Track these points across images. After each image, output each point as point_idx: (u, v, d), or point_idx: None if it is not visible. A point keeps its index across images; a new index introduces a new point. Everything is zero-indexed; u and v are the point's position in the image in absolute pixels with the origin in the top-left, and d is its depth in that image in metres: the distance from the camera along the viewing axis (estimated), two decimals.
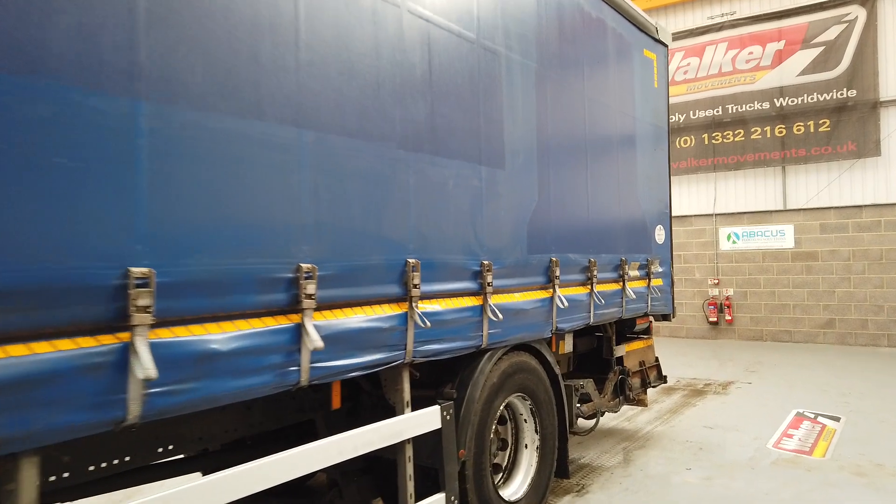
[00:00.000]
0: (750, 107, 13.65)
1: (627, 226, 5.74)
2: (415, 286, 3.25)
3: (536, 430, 4.46)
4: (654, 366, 6.66)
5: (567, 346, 5.44)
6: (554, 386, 4.67)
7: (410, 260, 3.26)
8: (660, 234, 6.34)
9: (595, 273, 5.04)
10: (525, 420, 4.45)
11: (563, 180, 4.76)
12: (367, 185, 3.07)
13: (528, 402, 4.39)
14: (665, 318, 6.65)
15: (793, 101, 13.22)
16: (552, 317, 4.50)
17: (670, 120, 13.93)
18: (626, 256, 5.61)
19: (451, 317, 3.54)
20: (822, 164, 13.10)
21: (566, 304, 4.50)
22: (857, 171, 12.81)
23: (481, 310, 3.78)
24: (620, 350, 6.03)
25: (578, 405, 5.26)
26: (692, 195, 14.47)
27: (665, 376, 6.76)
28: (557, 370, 4.68)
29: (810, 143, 13.08)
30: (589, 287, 5.01)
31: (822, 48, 12.92)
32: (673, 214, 14.41)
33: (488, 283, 3.80)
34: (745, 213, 13.90)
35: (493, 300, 3.87)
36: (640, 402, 6.64)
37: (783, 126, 13.34)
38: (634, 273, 5.82)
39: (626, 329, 6.20)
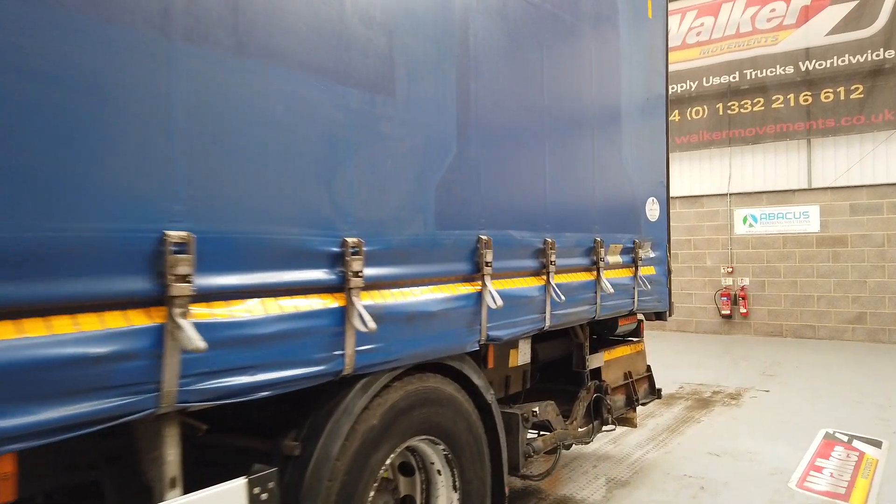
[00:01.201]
0: (771, 71, 12.05)
1: (606, 197, 4.30)
2: (179, 278, 1.84)
3: (455, 486, 3.07)
4: (645, 377, 5.24)
5: (521, 356, 4.03)
6: (486, 419, 3.27)
7: (172, 234, 1.85)
8: (652, 210, 4.89)
9: (552, 258, 3.62)
10: (438, 471, 3.07)
11: (504, 126, 3.33)
12: None
13: (442, 447, 3.00)
14: (659, 316, 5.21)
15: (820, 65, 11.61)
16: (480, 322, 3.09)
17: (680, 88, 12.40)
18: (602, 236, 4.17)
19: (273, 329, 2.14)
20: (854, 136, 11.51)
21: (500, 302, 3.08)
22: (893, 143, 11.20)
23: (342, 315, 2.38)
24: (597, 359, 4.61)
25: (533, 438, 3.86)
26: (704, 172, 12.93)
27: (659, 390, 5.33)
28: (490, 397, 3.27)
29: (840, 112, 11.48)
30: (544, 278, 3.59)
31: (856, 2, 11.29)
32: (683, 194, 12.95)
33: (355, 273, 2.39)
34: (763, 192, 12.35)
35: (368, 298, 2.47)
36: (627, 423, 5.23)
37: (809, 93, 11.74)
38: (615, 259, 4.38)
39: (605, 331, 4.77)
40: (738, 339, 12.03)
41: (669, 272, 5.13)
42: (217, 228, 1.99)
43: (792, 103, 11.88)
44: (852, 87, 11.34)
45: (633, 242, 4.58)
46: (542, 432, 4.09)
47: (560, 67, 3.80)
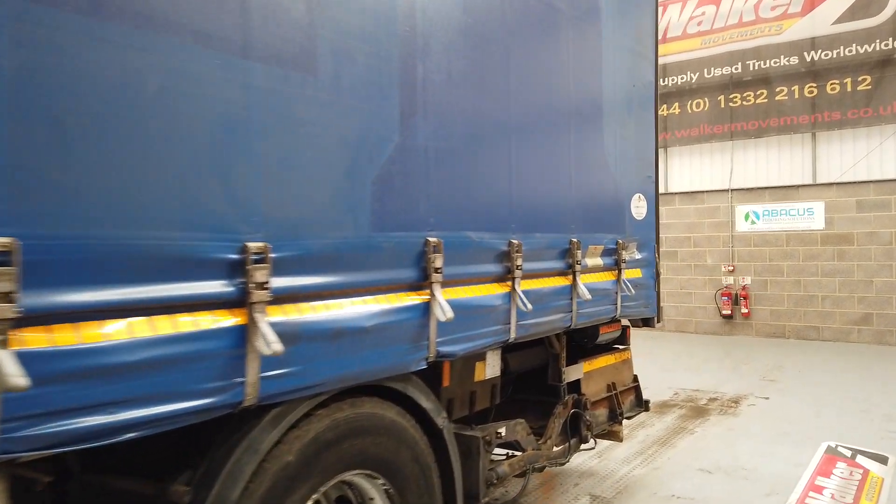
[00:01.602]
0: (775, 62, 11.59)
1: (586, 193, 3.90)
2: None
3: None
4: (631, 388, 4.83)
5: (489, 369, 3.63)
6: (438, 447, 2.88)
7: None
8: (639, 208, 4.48)
9: (518, 263, 3.22)
10: None
11: (461, 114, 2.92)
12: None
13: (382, 482, 2.60)
14: (647, 323, 4.81)
15: (826, 55, 11.14)
16: (428, 336, 2.69)
17: (680, 80, 11.96)
18: (579, 237, 3.77)
19: (144, 356, 1.74)
20: (861, 129, 11.05)
21: (450, 314, 2.67)
22: None
23: (242, 335, 1.98)
24: (575, 371, 4.21)
25: (498, 462, 3.47)
26: (705, 167, 12.49)
27: (646, 402, 4.93)
28: (442, 421, 2.88)
29: (846, 104, 11.02)
30: (509, 284, 3.19)
31: None
32: (683, 190, 12.47)
33: (259, 285, 2.00)
34: (766, 188, 11.90)
35: (279, 314, 2.08)
36: (612, 436, 4.83)
37: (814, 85, 11.28)
38: (594, 261, 3.97)
39: (586, 340, 4.37)
40: (738, 341, 11.60)
41: (658, 275, 4.72)
42: (59, 233, 1.59)
43: (796, 95, 11.41)
44: (860, 79, 10.87)
45: (617, 243, 4.18)
46: (513, 453, 3.71)
47: (530, 49, 3.39)
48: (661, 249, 4.81)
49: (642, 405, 4.89)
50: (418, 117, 2.68)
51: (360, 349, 2.38)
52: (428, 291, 2.69)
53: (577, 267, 3.71)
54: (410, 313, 2.61)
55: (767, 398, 7.32)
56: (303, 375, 2.17)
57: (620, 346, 4.87)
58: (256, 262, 2.00)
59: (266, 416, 2.14)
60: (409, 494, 2.69)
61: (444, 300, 2.69)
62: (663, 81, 12.66)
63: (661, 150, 12.65)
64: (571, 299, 3.71)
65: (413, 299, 2.64)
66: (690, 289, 12.58)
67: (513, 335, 3.22)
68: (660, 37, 12.50)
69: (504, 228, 3.19)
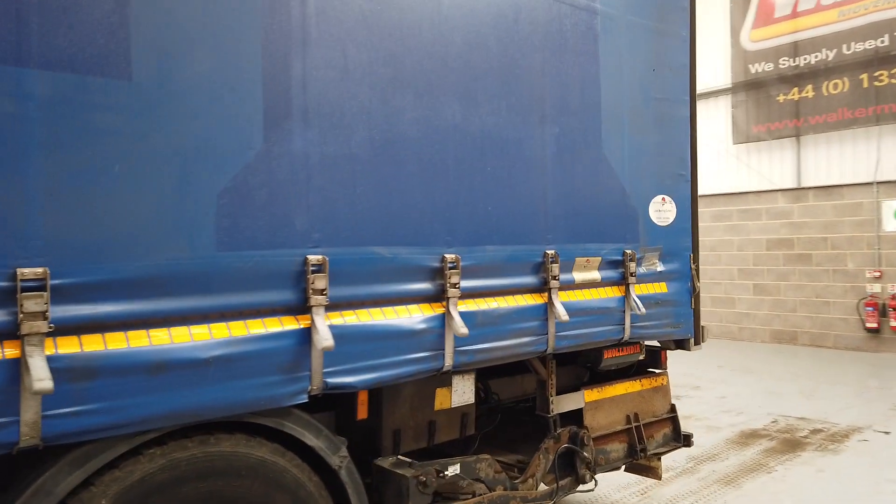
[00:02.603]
0: None
1: (572, 198, 3.39)
2: None
3: None
4: (665, 420, 4.18)
5: (455, 396, 3.27)
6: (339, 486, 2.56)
7: None
8: (662, 212, 3.85)
9: (454, 280, 2.81)
10: None
11: (364, 111, 2.58)
12: None
13: None
14: (680, 345, 4.14)
15: None
16: (310, 366, 2.39)
17: (814, 59, 10.63)
18: (559, 248, 3.27)
19: None
20: None
21: (328, 342, 2.34)
22: None
23: (10, 371, 1.81)
24: (572, 400, 3.69)
25: None
26: (845, 157, 10.92)
27: (687, 436, 4.24)
28: (338, 460, 2.55)
29: None
30: (443, 305, 2.80)
31: None
32: (817, 184, 10.95)
33: (32, 315, 1.81)
34: None
35: (67, 348, 1.88)
36: (650, 473, 4.23)
37: None
38: (587, 276, 3.44)
39: (589, 364, 3.81)
40: (884, 360, 9.99)
41: (695, 289, 4.03)
42: None
43: None
44: None
45: (623, 254, 3.60)
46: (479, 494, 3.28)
47: (473, 34, 2.97)
48: (699, 258, 4.11)
49: (680, 439, 4.21)
50: (295, 121, 2.38)
51: (198, 383, 2.13)
52: (308, 316, 2.39)
53: (554, 283, 3.22)
54: (281, 341, 2.33)
55: (888, 433, 6.15)
56: (106, 413, 1.96)
57: (656, 371, 4.24)
58: (31, 289, 1.82)
59: (65, 457, 1.96)
60: None
61: (325, 326, 2.37)
62: (793, 62, 11.26)
63: (791, 140, 11.28)
64: (547, 320, 3.22)
65: (286, 325, 2.35)
66: (828, 297, 11.07)
67: (448, 363, 2.82)
68: (789, 11, 11.16)
69: (435, 242, 2.80)
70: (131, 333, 2.02)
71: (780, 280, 11.61)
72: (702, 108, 12.51)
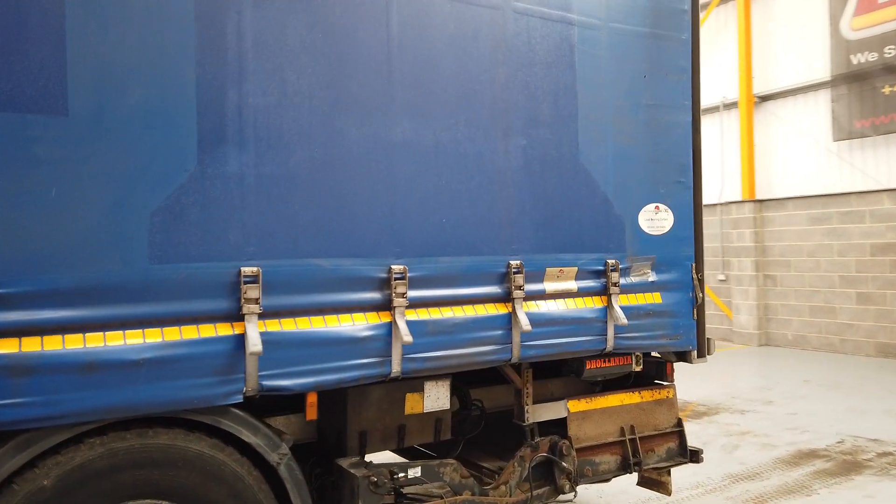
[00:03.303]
0: None
1: (544, 207, 3.41)
2: None
3: None
4: (671, 434, 4.04)
5: (427, 401, 3.39)
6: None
7: None
8: (654, 220, 3.77)
9: (400, 290, 2.94)
10: None
11: (302, 133, 2.77)
12: None
13: None
14: (682, 357, 4.02)
15: None
16: (244, 369, 2.60)
17: (887, 52, 9.76)
18: (526, 259, 3.31)
19: None
20: None
21: (257, 347, 2.54)
22: None
23: None
24: (551, 410, 3.70)
25: None
26: None
27: (695, 451, 4.08)
28: (276, 457, 2.74)
29: None
30: (389, 314, 2.93)
31: None
32: None
33: None
34: None
35: (6, 347, 2.20)
36: (659, 488, 4.14)
37: None
38: (561, 286, 3.47)
39: (573, 374, 3.78)
40: None
41: (697, 299, 3.90)
42: None
43: None
44: None
45: (605, 263, 3.57)
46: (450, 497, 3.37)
47: (422, 51, 3.07)
48: (702, 267, 3.97)
49: (686, 454, 4.07)
50: (229, 144, 2.60)
51: (130, 382, 2.39)
52: (242, 323, 2.60)
53: (518, 293, 3.26)
54: (215, 345, 2.55)
55: None
56: (42, 406, 2.26)
57: (663, 383, 4.13)
58: None
59: (11, 441, 2.27)
60: None
61: (255, 332, 2.58)
62: (887, 52, 10.34)
63: (883, 138, 10.31)
64: (511, 329, 3.26)
65: (221, 332, 2.57)
66: None
67: (395, 369, 2.95)
68: None
69: (381, 254, 2.94)
70: (68, 336, 2.31)
71: (886, 288, 10.67)
72: (796, 103, 11.79)
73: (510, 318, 3.26)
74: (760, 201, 12.36)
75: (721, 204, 12.95)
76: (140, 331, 2.43)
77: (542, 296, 3.39)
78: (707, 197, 13.09)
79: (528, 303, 3.33)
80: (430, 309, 3.07)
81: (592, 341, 3.54)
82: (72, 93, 2.32)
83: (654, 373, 4.14)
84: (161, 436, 2.53)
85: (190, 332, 2.52)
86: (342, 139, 2.86)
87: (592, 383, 4.04)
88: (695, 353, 3.96)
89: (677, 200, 3.86)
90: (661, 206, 3.80)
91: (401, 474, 3.12)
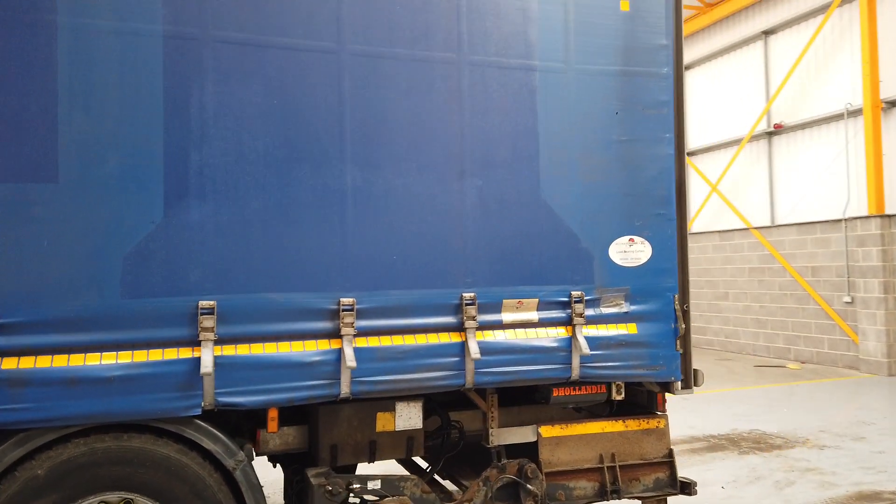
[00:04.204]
0: None
1: (498, 244, 3.62)
2: None
3: None
4: (658, 464, 4.04)
5: (399, 420, 3.70)
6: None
7: None
8: (628, 253, 3.84)
9: (349, 320, 3.30)
10: None
11: (258, 185, 3.23)
12: None
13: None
14: (665, 388, 4.01)
15: None
16: (202, 387, 3.09)
17: None
18: (481, 291, 3.56)
19: None
20: None
21: (207, 369, 3.01)
22: None
23: None
24: (517, 434, 3.86)
25: None
26: None
27: (686, 483, 4.04)
28: (233, 463, 3.19)
29: None
30: (338, 341, 3.31)
31: None
32: None
33: None
34: None
35: (6, 365, 2.83)
36: None
37: None
38: (520, 316, 3.66)
39: (542, 401, 3.91)
40: None
41: (681, 330, 3.91)
42: None
43: None
44: None
45: (569, 295, 3.71)
46: None
47: (378, 103, 3.43)
48: (688, 298, 3.96)
49: (676, 486, 4.04)
50: (191, 198, 3.12)
51: (104, 394, 2.95)
52: (199, 348, 3.09)
53: (471, 323, 3.50)
54: (176, 366, 3.05)
55: None
56: (36, 411, 2.87)
57: (657, 413, 4.14)
58: None
59: (12, 438, 2.90)
60: None
61: (209, 356, 3.06)
62: None
63: None
64: (465, 357, 3.51)
65: (182, 354, 3.08)
66: None
67: (344, 390, 3.30)
68: None
69: (331, 287, 3.32)
70: (55, 356, 2.91)
71: None
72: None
73: (463, 347, 3.51)
74: (889, 216, 11.29)
75: (846, 219, 11.97)
76: (114, 353, 2.99)
77: (499, 325, 3.60)
78: (829, 212, 12.26)
79: (486, 332, 3.56)
80: (382, 337, 3.40)
81: (556, 370, 3.68)
82: (62, 164, 2.94)
83: (646, 402, 4.16)
84: (134, 439, 3.07)
85: (156, 355, 3.04)
86: (295, 189, 3.28)
87: (576, 409, 4.15)
88: (678, 384, 3.95)
89: (657, 232, 3.89)
90: (637, 239, 3.85)
91: (356, 485, 3.47)
